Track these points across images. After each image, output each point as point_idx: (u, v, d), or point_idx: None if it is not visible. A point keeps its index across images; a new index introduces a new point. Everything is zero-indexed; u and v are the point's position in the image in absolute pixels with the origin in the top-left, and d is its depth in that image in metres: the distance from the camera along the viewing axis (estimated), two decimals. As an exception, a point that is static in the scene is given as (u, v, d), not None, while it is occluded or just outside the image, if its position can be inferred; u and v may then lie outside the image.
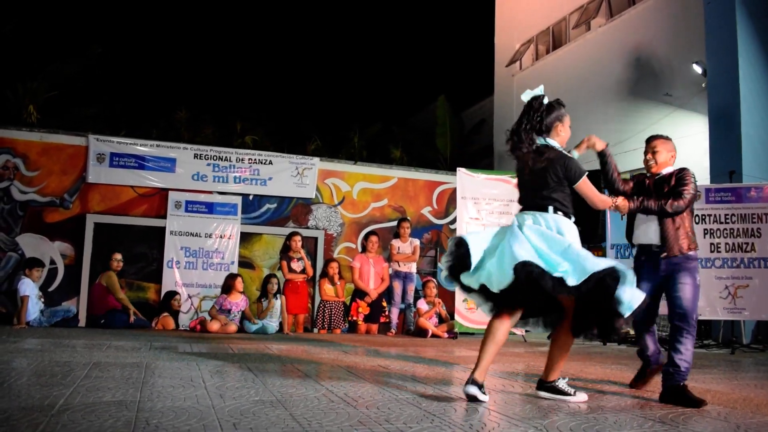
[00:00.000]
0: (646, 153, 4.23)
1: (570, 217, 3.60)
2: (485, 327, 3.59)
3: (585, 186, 3.63)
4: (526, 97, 3.78)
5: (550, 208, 3.55)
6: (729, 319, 8.10)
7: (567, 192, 3.62)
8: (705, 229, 8.14)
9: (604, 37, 14.06)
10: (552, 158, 3.59)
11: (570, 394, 3.57)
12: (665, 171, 4.14)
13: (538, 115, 3.67)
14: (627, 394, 3.95)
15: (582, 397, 3.59)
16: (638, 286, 3.44)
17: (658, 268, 3.93)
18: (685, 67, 10.86)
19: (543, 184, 3.59)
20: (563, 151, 3.69)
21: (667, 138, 4.25)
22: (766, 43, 9.51)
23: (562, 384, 3.62)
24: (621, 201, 3.96)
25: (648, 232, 4.01)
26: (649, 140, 4.25)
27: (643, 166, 4.28)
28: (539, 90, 3.76)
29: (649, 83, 11.83)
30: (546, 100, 3.71)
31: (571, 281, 3.26)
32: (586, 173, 3.65)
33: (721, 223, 8.14)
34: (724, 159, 9.08)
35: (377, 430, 2.67)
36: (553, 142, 3.69)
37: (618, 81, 12.83)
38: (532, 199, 3.65)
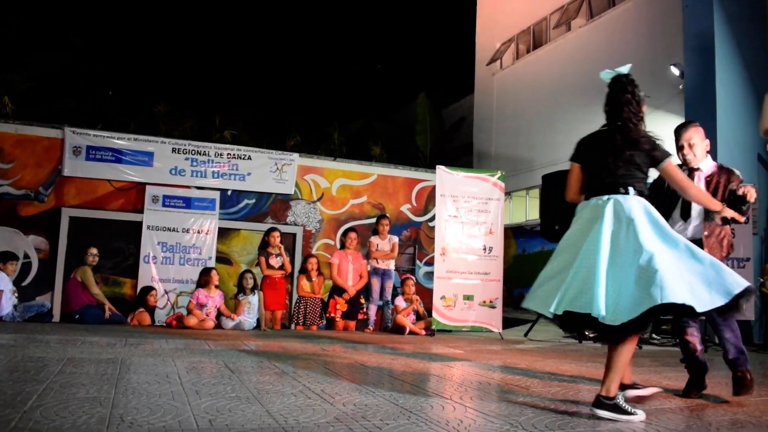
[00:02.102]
0: (681, 146, 3.88)
1: None
2: (463, 324, 3.54)
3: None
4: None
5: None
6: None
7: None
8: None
9: (584, 37, 14.19)
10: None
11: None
12: (706, 166, 3.88)
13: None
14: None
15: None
16: None
17: None
18: (664, 69, 10.99)
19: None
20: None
21: (697, 124, 3.94)
22: (743, 46, 9.65)
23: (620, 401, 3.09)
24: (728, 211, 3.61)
25: (688, 229, 3.82)
26: (683, 131, 3.90)
27: None
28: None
29: (628, 84, 11.94)
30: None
31: None
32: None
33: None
34: (701, 160, 9.18)
35: (354, 427, 2.67)
36: None
37: (597, 81, 12.92)
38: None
